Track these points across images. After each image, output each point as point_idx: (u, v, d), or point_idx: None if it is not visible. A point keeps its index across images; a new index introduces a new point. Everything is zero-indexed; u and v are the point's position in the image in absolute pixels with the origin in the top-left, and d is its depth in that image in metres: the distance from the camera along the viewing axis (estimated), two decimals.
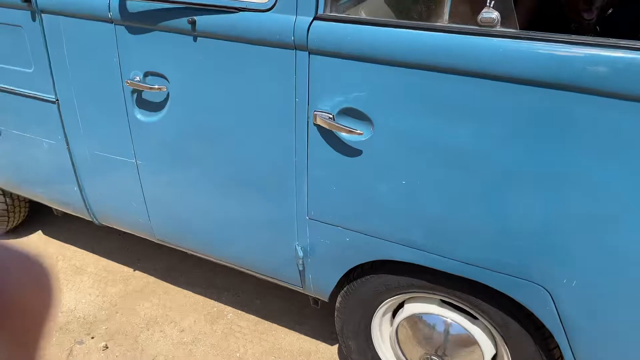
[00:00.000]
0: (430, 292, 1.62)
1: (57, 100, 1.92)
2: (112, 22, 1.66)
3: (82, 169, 2.06)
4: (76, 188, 2.13)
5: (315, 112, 1.44)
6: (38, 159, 2.15)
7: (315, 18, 1.36)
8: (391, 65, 1.28)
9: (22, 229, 2.88)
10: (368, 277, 1.70)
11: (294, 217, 1.66)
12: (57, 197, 2.29)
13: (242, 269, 1.98)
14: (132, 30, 1.64)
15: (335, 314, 1.87)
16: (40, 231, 2.91)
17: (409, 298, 1.73)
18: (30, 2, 1.76)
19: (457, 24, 1.27)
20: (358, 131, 1.40)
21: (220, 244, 1.95)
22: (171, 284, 2.54)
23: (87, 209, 2.20)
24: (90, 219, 2.26)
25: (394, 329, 1.78)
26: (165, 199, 1.94)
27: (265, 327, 2.30)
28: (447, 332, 1.67)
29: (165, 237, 2.10)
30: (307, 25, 1.36)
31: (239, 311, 2.39)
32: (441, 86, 1.24)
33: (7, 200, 2.63)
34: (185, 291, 2.49)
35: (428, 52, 1.22)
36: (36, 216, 2.93)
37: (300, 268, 1.76)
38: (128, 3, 1.60)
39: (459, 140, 1.28)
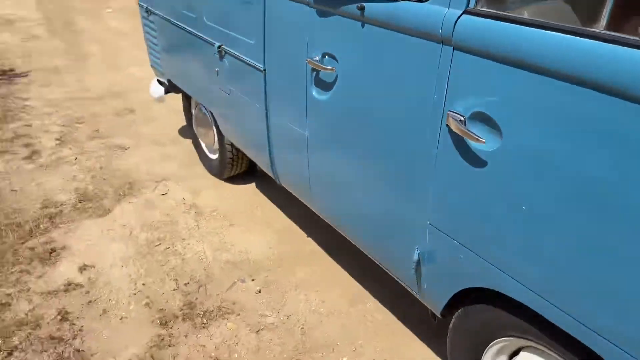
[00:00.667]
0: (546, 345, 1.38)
1: (265, 69, 2.23)
2: (308, 5, 1.84)
3: (272, 133, 2.34)
4: (267, 149, 2.44)
5: (448, 112, 1.36)
6: (249, 119, 2.53)
7: (464, 12, 1.28)
8: (539, 74, 1.12)
9: (241, 178, 3.42)
10: (482, 305, 1.54)
11: (416, 217, 1.60)
12: (256, 154, 2.65)
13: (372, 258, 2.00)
14: (320, 13, 1.80)
15: (448, 333, 1.75)
16: (253, 183, 3.40)
17: (526, 346, 1.50)
18: None
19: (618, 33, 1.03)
20: (482, 139, 1.27)
21: (355, 226, 2.00)
22: (333, 258, 2.69)
23: (272, 169, 2.50)
24: (274, 179, 2.56)
25: None
26: (322, 173, 2.08)
27: (398, 328, 2.27)
28: None
29: (320, 210, 2.25)
30: (455, 18, 1.29)
31: (380, 304, 2.40)
32: (599, 108, 1.03)
33: (233, 151, 3.15)
34: (341, 269, 2.62)
35: (589, 64, 1.02)
36: (255, 172, 3.44)
37: (416, 273, 1.69)
38: None
39: (602, 175, 1.05)
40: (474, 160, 1.33)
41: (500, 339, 1.54)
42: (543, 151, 1.15)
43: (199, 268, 2.62)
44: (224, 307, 2.37)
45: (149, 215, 3.05)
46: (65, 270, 2.58)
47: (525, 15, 1.30)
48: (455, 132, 1.36)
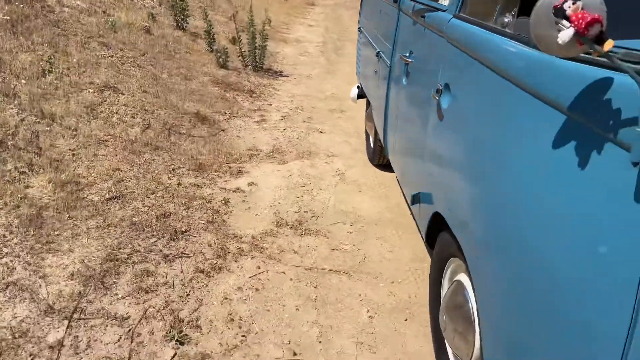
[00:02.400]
0: None
1: (390, 66, 3.07)
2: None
3: (389, 116, 3.16)
4: (382, 125, 3.26)
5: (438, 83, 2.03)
6: (381, 105, 3.38)
7: (454, 16, 1.96)
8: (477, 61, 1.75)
9: (387, 166, 4.24)
10: (444, 231, 2.09)
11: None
12: (379, 131, 3.48)
13: None
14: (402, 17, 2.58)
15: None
16: (394, 173, 4.19)
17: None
18: (397, 3, 2.94)
19: None
20: (436, 96, 1.92)
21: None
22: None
23: (385, 145, 3.30)
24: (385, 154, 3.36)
25: None
26: (403, 139, 2.81)
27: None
28: None
29: (392, 156, 2.97)
30: (448, 19, 1.98)
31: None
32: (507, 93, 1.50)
33: (378, 142, 4.01)
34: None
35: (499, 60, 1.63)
36: None
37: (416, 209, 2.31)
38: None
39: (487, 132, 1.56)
40: (438, 112, 1.97)
41: (451, 258, 2.07)
42: (468, 109, 1.76)
43: (320, 207, 3.56)
44: (320, 231, 3.26)
45: (309, 171, 4.13)
46: (240, 182, 3.82)
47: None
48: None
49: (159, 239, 2.91)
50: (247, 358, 2.17)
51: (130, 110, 4.45)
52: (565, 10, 0.98)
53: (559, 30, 0.98)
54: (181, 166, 3.86)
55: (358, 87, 4.88)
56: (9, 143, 3.26)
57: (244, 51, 7.25)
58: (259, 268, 2.80)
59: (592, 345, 0.98)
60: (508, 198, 1.34)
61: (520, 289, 1.24)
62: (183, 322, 2.33)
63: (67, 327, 2.17)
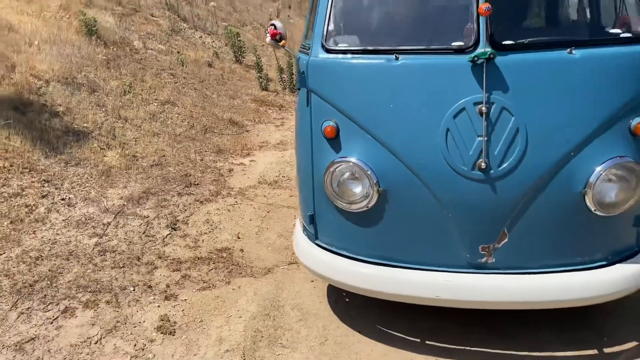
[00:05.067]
0: None
1: None
2: None
3: None
4: None
5: None
6: None
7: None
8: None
9: None
10: None
11: None
12: None
13: None
14: None
15: None
16: None
17: None
18: None
19: None
20: None
21: None
22: None
23: None
24: None
25: None
26: None
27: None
28: None
29: None
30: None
31: None
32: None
33: None
34: None
35: None
36: None
37: None
38: None
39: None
40: None
41: None
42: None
43: (294, 174, 5.08)
44: (288, 187, 4.76)
45: None
46: (245, 160, 5.46)
47: None
48: None
49: (178, 185, 4.60)
50: (210, 237, 3.75)
51: (180, 117, 6.31)
52: (267, 30, 2.52)
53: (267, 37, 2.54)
54: (207, 150, 5.59)
55: None
56: (96, 132, 5.16)
57: (284, 76, 9.02)
58: (236, 201, 4.38)
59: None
60: None
61: None
62: (179, 221, 3.96)
63: (114, 218, 3.88)
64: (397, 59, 2.31)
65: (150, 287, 3.14)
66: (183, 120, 6.24)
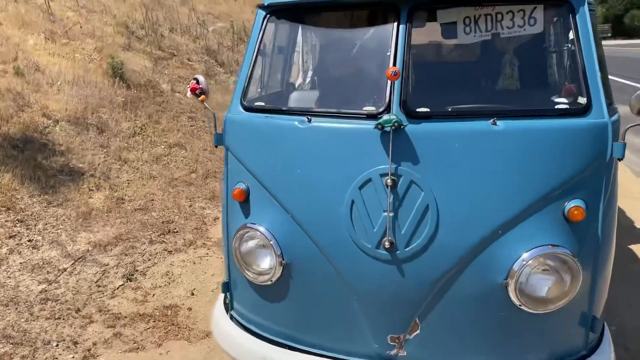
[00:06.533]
0: None
1: None
2: None
3: None
4: None
5: None
6: None
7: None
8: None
9: None
10: None
11: None
12: None
13: None
14: None
15: None
16: None
17: None
18: None
19: None
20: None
21: None
22: None
23: None
24: None
25: None
26: None
27: None
28: None
29: None
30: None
31: None
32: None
33: None
34: None
35: None
36: None
37: None
38: None
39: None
40: None
41: None
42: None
43: None
44: None
45: None
46: None
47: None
48: None
49: (154, 232, 4.50)
50: (163, 291, 3.58)
51: (185, 161, 6.30)
52: (190, 84, 2.39)
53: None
54: (200, 196, 5.51)
55: None
56: (90, 173, 5.21)
57: None
58: (207, 253, 4.22)
59: None
60: None
61: None
62: (137, 271, 3.83)
63: (72, 264, 3.81)
64: (309, 120, 2.11)
65: (76, 343, 2.98)
66: (186, 165, 6.23)
